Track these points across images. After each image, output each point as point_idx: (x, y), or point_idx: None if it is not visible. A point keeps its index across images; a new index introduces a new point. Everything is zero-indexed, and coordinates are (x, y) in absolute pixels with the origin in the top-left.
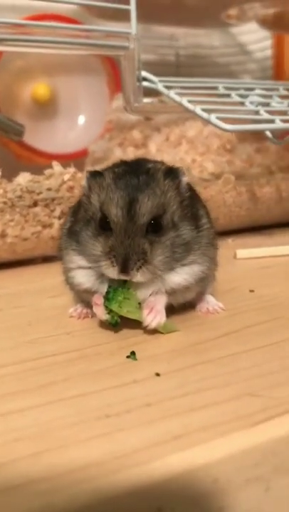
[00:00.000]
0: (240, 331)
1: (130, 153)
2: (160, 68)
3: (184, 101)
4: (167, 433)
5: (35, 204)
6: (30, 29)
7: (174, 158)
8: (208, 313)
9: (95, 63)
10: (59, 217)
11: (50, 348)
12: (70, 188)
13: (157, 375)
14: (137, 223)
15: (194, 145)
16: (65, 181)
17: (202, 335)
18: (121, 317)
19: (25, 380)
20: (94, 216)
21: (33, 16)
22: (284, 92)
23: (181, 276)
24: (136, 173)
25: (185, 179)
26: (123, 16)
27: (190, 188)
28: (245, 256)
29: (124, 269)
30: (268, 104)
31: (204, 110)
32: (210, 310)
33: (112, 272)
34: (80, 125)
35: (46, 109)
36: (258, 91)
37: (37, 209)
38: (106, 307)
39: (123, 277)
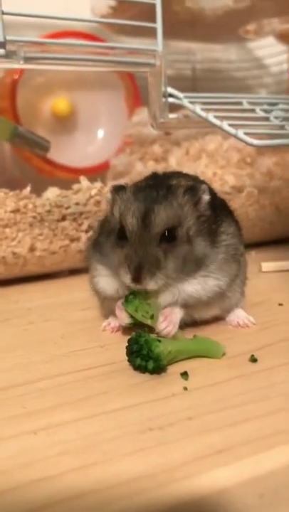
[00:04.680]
0: (273, 345)
1: (151, 167)
2: (177, 82)
3: (210, 116)
4: (210, 447)
5: (63, 218)
6: (57, 47)
7: (194, 172)
8: (238, 327)
9: (113, 78)
10: (86, 231)
11: (85, 361)
12: (97, 203)
13: (185, 389)
14: (151, 232)
15: (214, 159)
16: (92, 196)
17: (235, 349)
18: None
19: (63, 393)
20: (114, 227)
21: (54, 33)
22: None
23: (192, 287)
24: (156, 187)
25: (206, 197)
26: (142, 32)
27: (218, 206)
28: (271, 269)
29: (137, 277)
30: None
31: (231, 125)
32: (240, 324)
33: (126, 279)
34: (100, 139)
35: (66, 123)
36: (281, 106)
37: (65, 223)
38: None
39: (135, 286)
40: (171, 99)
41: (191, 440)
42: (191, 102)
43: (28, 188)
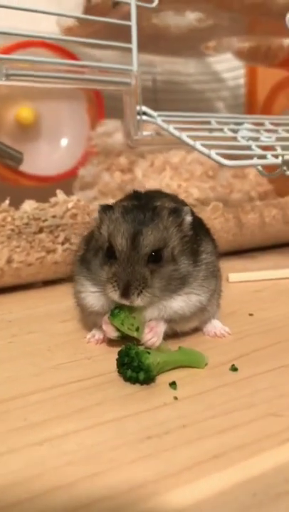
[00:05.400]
0: (250, 354)
1: (117, 178)
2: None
3: (184, 136)
4: (207, 452)
5: (40, 231)
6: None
7: (160, 184)
8: (215, 337)
9: (75, 90)
10: (62, 243)
11: (75, 373)
12: (74, 215)
13: (175, 398)
14: (139, 253)
15: (178, 171)
16: (69, 209)
17: (215, 359)
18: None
19: (60, 405)
20: (102, 246)
21: (18, 43)
22: (270, 127)
23: (177, 304)
24: (143, 209)
25: (188, 218)
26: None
27: (197, 225)
28: (237, 280)
29: (125, 293)
30: (257, 139)
31: (204, 145)
32: (217, 334)
33: (114, 295)
34: (63, 148)
35: (30, 132)
36: (246, 125)
37: (42, 235)
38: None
39: (123, 301)
40: (145, 118)
41: (188, 447)
42: (164, 121)
43: (7, 201)
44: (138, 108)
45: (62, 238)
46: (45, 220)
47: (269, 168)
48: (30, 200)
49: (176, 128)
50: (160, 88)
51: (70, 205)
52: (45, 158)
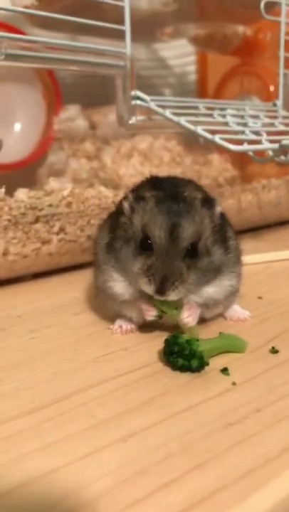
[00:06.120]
0: (280, 335)
1: (85, 165)
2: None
3: (183, 121)
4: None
5: (36, 220)
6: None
7: (131, 171)
8: (239, 321)
9: (28, 73)
10: (57, 233)
11: (118, 365)
12: (69, 204)
13: (234, 384)
14: (178, 247)
15: (148, 157)
16: (64, 197)
17: (251, 343)
18: None
19: (122, 399)
20: (134, 236)
21: None
22: (251, 112)
23: (212, 289)
24: (176, 199)
25: (219, 209)
26: (66, 27)
27: (221, 214)
28: None
29: (161, 289)
30: (245, 124)
31: (205, 131)
32: (241, 318)
33: (149, 289)
34: (17, 133)
35: None
36: (229, 111)
37: (38, 225)
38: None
39: (157, 296)
40: (138, 102)
41: (274, 430)
42: (159, 106)
43: (3, 190)
44: (132, 93)
45: (57, 228)
46: (42, 210)
47: (258, 154)
48: (24, 189)
49: (172, 113)
50: None
51: (65, 193)
52: None
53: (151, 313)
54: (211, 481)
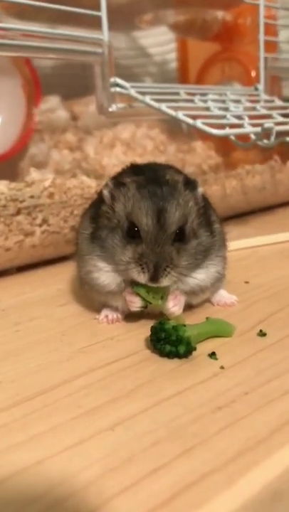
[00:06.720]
0: (268, 319)
1: (67, 156)
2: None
3: (163, 107)
4: (282, 415)
5: (18, 212)
6: None
7: (114, 161)
8: (226, 306)
9: (6, 65)
10: (40, 225)
11: (105, 355)
12: (51, 194)
13: (222, 368)
14: (167, 232)
15: (131, 147)
16: (46, 188)
17: (238, 327)
18: None
19: (108, 387)
20: (119, 224)
21: None
22: (232, 97)
23: (199, 276)
24: (158, 183)
25: (200, 189)
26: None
27: (203, 197)
28: None
29: (155, 276)
30: (227, 109)
31: (187, 116)
32: (227, 303)
33: (142, 278)
34: None
35: None
36: (211, 96)
37: (20, 217)
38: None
39: (151, 284)
40: (118, 89)
41: (262, 412)
42: (139, 93)
43: None
44: (112, 80)
45: (40, 220)
46: (23, 201)
47: (241, 139)
48: (4, 180)
49: (152, 99)
50: None
51: (46, 183)
52: None
53: (135, 305)
54: (200, 466)
